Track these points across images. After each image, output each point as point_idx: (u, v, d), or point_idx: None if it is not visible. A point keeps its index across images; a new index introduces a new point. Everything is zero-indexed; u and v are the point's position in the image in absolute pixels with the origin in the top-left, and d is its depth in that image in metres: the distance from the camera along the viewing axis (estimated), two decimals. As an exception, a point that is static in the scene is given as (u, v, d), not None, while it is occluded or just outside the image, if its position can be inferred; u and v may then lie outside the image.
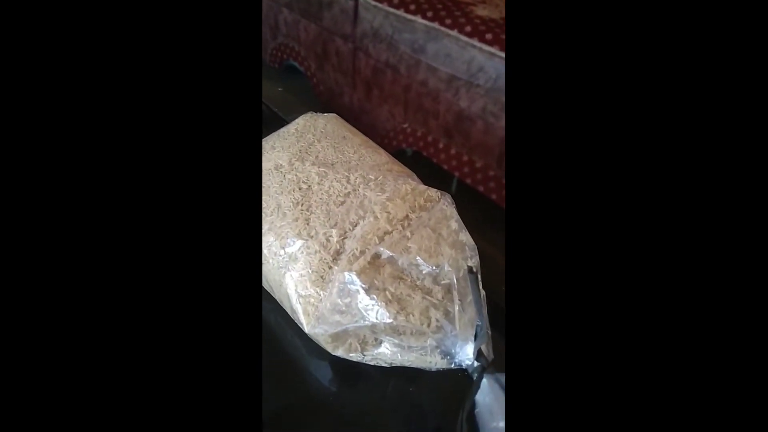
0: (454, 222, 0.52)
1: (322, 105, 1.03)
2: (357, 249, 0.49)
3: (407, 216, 0.52)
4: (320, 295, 0.49)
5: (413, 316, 0.47)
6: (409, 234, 0.51)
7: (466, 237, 0.51)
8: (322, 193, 0.54)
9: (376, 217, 0.51)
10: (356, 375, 0.52)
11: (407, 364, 0.49)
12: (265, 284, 0.55)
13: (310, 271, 0.50)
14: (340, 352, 0.49)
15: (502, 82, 0.82)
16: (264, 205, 0.54)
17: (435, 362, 0.48)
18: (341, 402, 0.51)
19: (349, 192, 0.53)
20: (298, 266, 0.50)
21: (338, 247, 0.50)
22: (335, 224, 0.51)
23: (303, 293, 0.49)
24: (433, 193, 0.54)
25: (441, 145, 0.94)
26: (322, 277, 0.49)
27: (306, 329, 0.49)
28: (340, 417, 0.50)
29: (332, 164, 0.56)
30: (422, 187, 0.54)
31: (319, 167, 0.55)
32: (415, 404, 0.51)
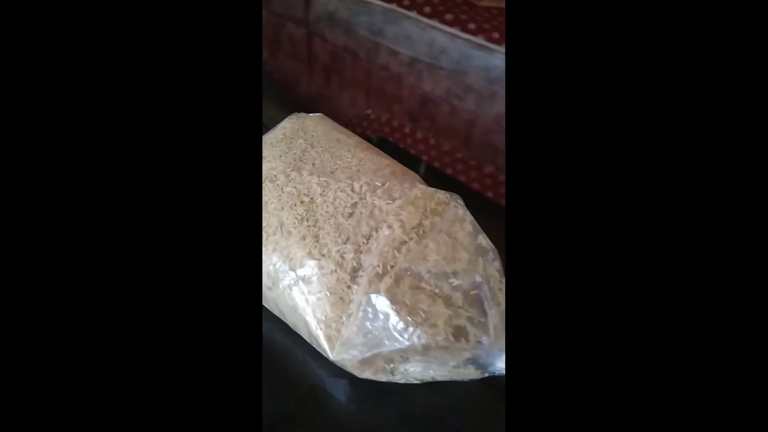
0: (468, 224, 0.50)
1: (279, 93, 0.97)
2: (378, 266, 0.46)
3: (420, 223, 0.49)
4: (342, 318, 0.46)
5: (440, 328, 0.45)
6: (425, 242, 0.48)
7: (485, 240, 0.49)
8: (327, 206, 0.50)
9: (390, 227, 0.48)
10: (378, 390, 0.49)
11: (439, 379, 0.47)
12: (275, 310, 0.51)
13: (328, 294, 0.46)
14: (367, 375, 0.47)
15: (465, 63, 0.81)
16: (264, 224, 0.50)
17: (469, 374, 0.47)
18: (364, 419, 0.49)
19: (356, 202, 0.50)
20: (314, 288, 0.47)
21: (355, 264, 0.47)
22: (347, 239, 0.48)
23: (322, 317, 0.46)
24: (443, 195, 0.51)
25: (407, 130, 0.92)
26: (341, 298, 0.46)
27: (331, 356, 0.46)
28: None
29: (332, 172, 0.52)
30: (431, 189, 0.52)
31: (319, 177, 0.51)
32: (443, 415, 0.49)
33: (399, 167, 0.55)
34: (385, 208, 0.49)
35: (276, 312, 0.51)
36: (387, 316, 0.44)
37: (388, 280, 0.45)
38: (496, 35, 0.76)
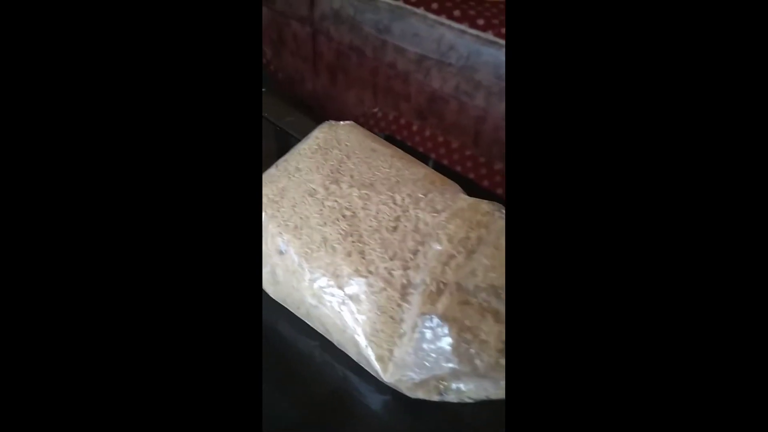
0: (515, 235, 0.49)
1: (283, 93, 0.95)
2: (430, 283, 0.45)
3: (467, 236, 0.48)
4: (394, 338, 0.44)
5: (491, 344, 0.44)
6: (473, 256, 0.47)
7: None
8: (370, 220, 0.48)
9: (438, 242, 0.47)
10: (421, 405, 0.48)
11: (494, 398, 0.46)
12: (319, 328, 0.49)
13: (378, 313, 0.45)
14: (419, 395, 0.45)
15: (474, 59, 0.80)
16: (307, 239, 0.48)
17: (523, 391, 0.46)
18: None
19: (399, 216, 0.48)
20: (363, 307, 0.45)
21: (404, 281, 0.45)
22: (394, 254, 0.46)
23: (373, 338, 0.45)
24: (487, 206, 0.50)
25: (415, 128, 0.90)
26: (392, 317, 0.45)
27: (384, 378, 0.44)
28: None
29: (371, 184, 0.50)
30: (474, 200, 0.50)
31: (359, 189, 0.50)
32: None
33: (437, 176, 0.54)
34: (430, 222, 0.48)
35: (321, 330, 0.49)
36: (443, 336, 0.43)
37: (442, 299, 0.44)
38: (505, 31, 0.75)
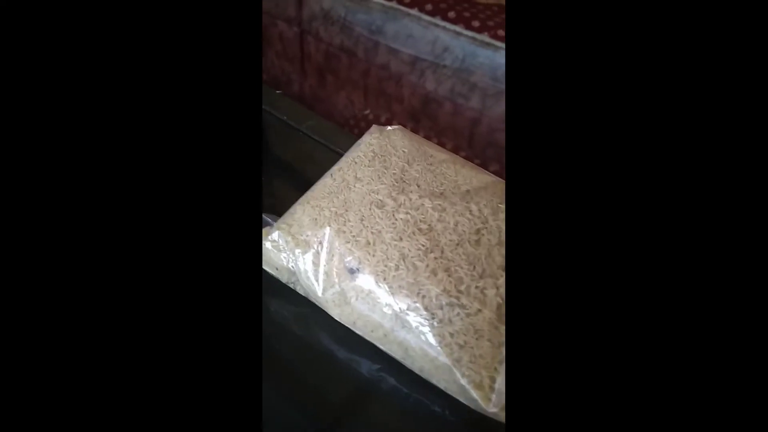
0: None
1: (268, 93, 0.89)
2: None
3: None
4: (494, 365, 0.40)
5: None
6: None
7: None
8: (449, 233, 0.44)
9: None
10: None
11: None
12: (397, 353, 0.44)
13: (476, 337, 0.40)
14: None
15: (469, 61, 0.79)
16: (383, 256, 0.43)
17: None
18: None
19: (479, 228, 0.44)
20: (457, 331, 0.41)
21: (499, 300, 0.41)
22: (483, 271, 0.42)
23: (471, 365, 0.40)
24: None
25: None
26: (490, 341, 0.41)
27: (486, 408, 0.40)
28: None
29: (441, 193, 0.46)
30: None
31: (431, 200, 0.45)
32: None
33: (502, 182, 0.50)
34: (515, 234, 0.44)
35: (398, 356, 0.43)
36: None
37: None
38: (501, 32, 0.75)
